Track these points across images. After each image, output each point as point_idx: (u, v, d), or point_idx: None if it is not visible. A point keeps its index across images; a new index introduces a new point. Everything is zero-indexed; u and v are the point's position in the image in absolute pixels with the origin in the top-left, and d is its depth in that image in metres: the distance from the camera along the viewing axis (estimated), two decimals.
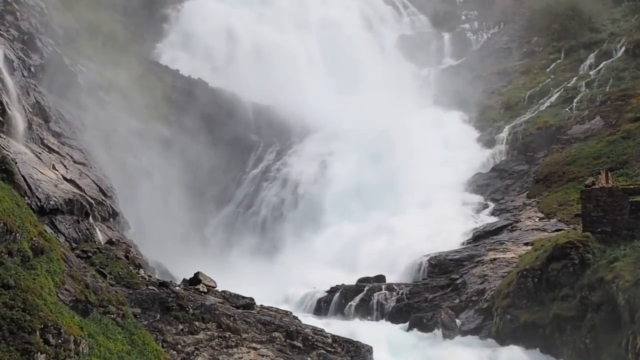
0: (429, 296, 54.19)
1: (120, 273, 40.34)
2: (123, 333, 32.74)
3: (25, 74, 58.42)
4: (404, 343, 48.20)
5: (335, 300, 56.15)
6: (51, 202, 46.29)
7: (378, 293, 55.45)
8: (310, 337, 40.62)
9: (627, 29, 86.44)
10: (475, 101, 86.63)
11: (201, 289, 42.96)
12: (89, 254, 41.58)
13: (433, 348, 47.22)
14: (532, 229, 59.02)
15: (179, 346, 36.41)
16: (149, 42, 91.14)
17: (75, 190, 50.73)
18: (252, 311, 42.13)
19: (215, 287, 44.19)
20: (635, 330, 37.23)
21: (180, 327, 37.41)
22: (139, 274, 41.99)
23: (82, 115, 65.10)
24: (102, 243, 46.64)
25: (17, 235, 28.95)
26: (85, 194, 51.72)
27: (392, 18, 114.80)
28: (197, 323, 38.02)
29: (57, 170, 51.48)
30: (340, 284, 57.73)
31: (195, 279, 43.99)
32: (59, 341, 27.13)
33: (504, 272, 52.21)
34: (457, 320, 50.57)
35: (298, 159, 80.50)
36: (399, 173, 74.40)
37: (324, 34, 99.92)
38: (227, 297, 43.18)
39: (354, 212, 71.94)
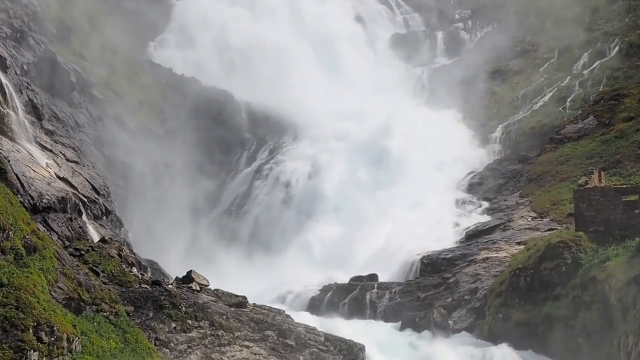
0: (422, 295, 54.21)
1: (113, 271, 40.32)
2: (116, 331, 32.77)
3: (18, 72, 58.34)
4: (396, 342, 48.25)
5: (327, 299, 56.17)
6: (44, 200, 46.23)
7: (370, 292, 55.49)
8: (302, 336, 40.67)
9: (621, 28, 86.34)
10: (468, 100, 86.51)
11: (194, 288, 42.97)
12: (82, 252, 41.54)
13: (425, 347, 47.26)
14: (525, 229, 59.00)
15: (172, 344, 36.41)
16: (142, 40, 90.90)
17: (68, 188, 50.68)
18: (245, 309, 42.16)
19: (208, 285, 44.23)
20: (627, 329, 37.27)
21: (173, 325, 37.42)
22: (131, 272, 41.96)
23: (75, 113, 65.08)
24: (95, 241, 46.56)
25: (10, 233, 28.93)
26: (78, 192, 51.68)
27: (386, 17, 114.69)
28: (189, 321, 38.04)
29: (50, 169, 51.43)
30: (332, 282, 57.79)
31: (188, 278, 43.99)
32: (52, 339, 27.14)
33: (497, 271, 52.26)
34: (450, 319, 50.65)
35: (291, 158, 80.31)
36: (392, 172, 74.44)
37: (317, 32, 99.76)
38: (219, 295, 43.21)
39: (346, 211, 71.88)
